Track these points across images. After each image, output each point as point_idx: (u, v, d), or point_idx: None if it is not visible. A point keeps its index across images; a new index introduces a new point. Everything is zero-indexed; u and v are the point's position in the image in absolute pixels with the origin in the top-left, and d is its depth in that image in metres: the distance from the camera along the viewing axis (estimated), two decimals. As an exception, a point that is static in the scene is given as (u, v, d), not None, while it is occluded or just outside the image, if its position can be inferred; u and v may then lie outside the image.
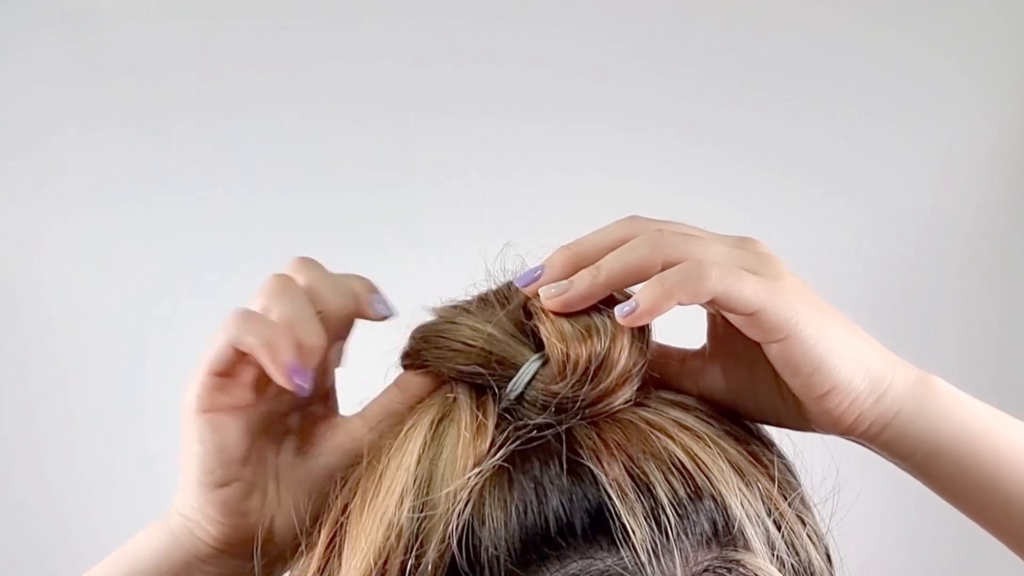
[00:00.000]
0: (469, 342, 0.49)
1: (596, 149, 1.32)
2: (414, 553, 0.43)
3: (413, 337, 0.51)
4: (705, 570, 0.44)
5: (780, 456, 0.50)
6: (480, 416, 0.47)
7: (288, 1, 1.33)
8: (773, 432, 0.52)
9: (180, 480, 0.49)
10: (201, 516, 0.49)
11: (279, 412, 0.51)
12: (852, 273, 1.29)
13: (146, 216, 1.32)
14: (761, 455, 0.48)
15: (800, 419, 0.50)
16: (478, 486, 0.44)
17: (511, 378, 0.48)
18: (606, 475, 0.44)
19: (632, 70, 1.32)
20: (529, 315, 0.50)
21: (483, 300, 0.51)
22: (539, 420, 0.47)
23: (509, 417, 0.47)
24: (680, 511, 0.44)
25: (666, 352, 0.53)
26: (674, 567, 0.43)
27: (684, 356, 0.53)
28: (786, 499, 0.47)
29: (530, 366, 0.48)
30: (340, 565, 0.46)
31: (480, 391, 0.49)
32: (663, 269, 0.46)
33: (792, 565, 0.46)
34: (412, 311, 0.52)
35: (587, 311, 0.48)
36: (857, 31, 1.31)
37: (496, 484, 0.45)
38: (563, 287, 0.48)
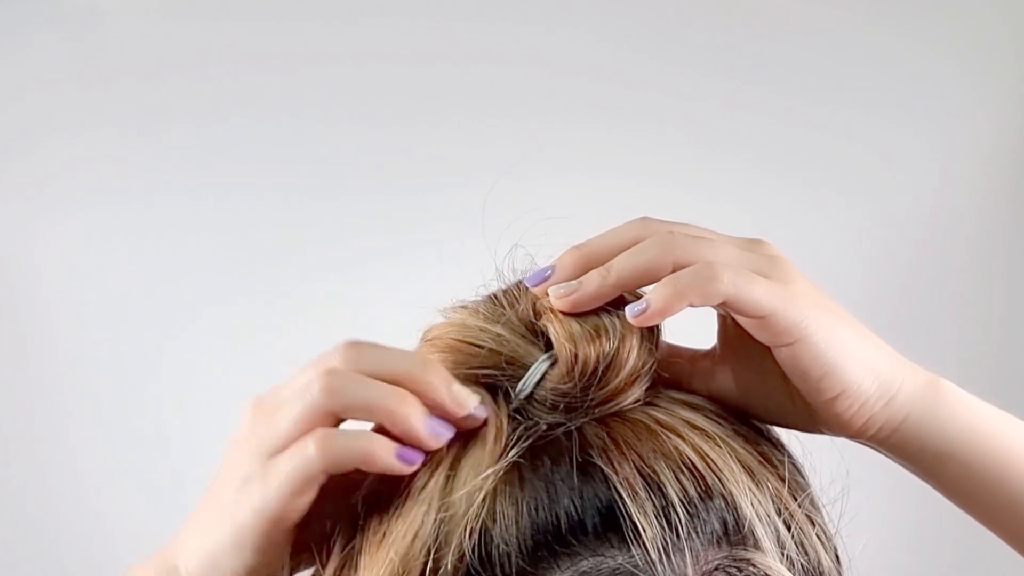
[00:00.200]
0: (478, 342, 0.49)
1: (596, 149, 1.32)
2: (433, 556, 0.43)
3: (423, 339, 0.51)
4: (715, 569, 0.44)
5: (790, 457, 0.50)
6: (496, 416, 0.47)
7: (288, 1, 1.33)
8: (782, 433, 0.52)
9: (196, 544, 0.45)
10: None
11: None
12: (852, 273, 1.29)
13: (146, 216, 1.31)
14: (771, 455, 0.48)
15: (809, 422, 0.50)
16: (491, 485, 0.44)
17: (520, 378, 0.48)
18: (617, 474, 0.44)
19: (633, 70, 1.32)
20: (538, 315, 0.49)
21: (492, 300, 0.51)
22: (549, 420, 0.47)
23: (519, 417, 0.47)
24: (690, 510, 0.44)
25: (676, 352, 0.53)
26: (684, 566, 0.43)
27: (694, 356, 0.53)
28: (796, 499, 0.47)
29: (539, 366, 0.48)
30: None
31: (492, 391, 0.48)
32: (673, 271, 0.46)
33: (802, 565, 0.46)
34: (422, 313, 0.52)
35: (596, 312, 0.48)
36: (857, 31, 1.32)
37: (507, 482, 0.45)
38: (573, 287, 0.48)
